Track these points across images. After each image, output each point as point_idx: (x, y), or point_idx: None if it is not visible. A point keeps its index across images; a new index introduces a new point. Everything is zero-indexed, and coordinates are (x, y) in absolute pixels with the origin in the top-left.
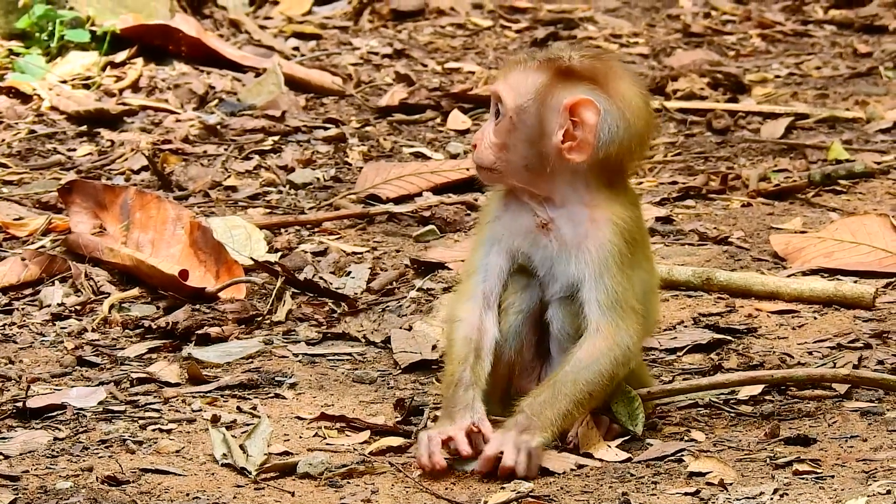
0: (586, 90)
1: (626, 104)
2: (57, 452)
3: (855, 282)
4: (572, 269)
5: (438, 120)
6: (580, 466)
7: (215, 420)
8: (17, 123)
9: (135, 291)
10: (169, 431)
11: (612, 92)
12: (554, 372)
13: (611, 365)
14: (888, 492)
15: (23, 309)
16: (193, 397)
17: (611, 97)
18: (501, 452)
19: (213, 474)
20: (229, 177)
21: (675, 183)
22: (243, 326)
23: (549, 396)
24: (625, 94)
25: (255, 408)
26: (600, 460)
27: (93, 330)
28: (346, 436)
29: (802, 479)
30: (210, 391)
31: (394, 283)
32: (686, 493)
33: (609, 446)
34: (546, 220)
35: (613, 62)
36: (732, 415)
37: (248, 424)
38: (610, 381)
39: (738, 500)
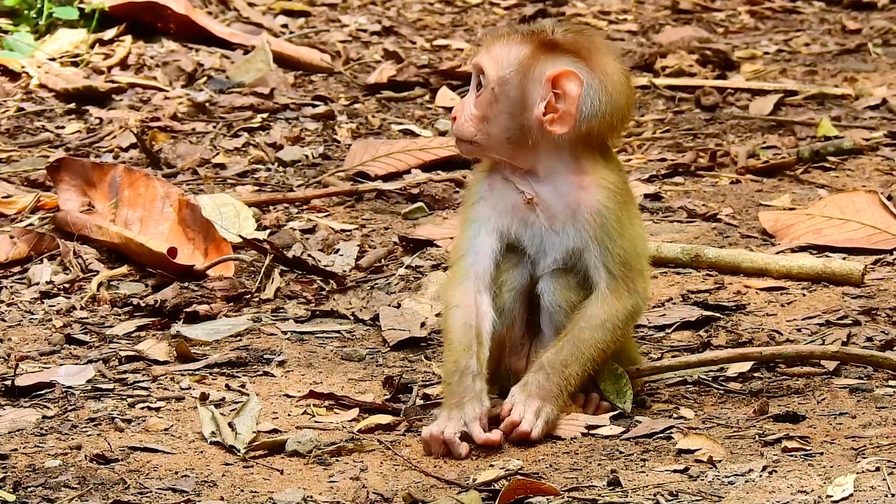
0: (569, 62)
1: (608, 78)
2: (45, 431)
3: (843, 258)
4: (569, 239)
5: (427, 97)
6: (584, 435)
7: (204, 398)
8: (5, 101)
9: (123, 269)
10: (157, 409)
11: (595, 66)
12: (568, 328)
13: (623, 322)
14: (877, 468)
15: (11, 287)
16: (182, 375)
17: (593, 71)
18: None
19: (201, 452)
20: (218, 154)
21: (663, 160)
22: (232, 304)
23: (568, 354)
24: (607, 68)
25: (243, 385)
26: (593, 435)
27: (81, 308)
28: (335, 413)
29: (791, 456)
30: (199, 369)
31: (382, 260)
32: (675, 471)
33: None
34: (531, 195)
35: (596, 37)
36: (721, 392)
37: (236, 402)
38: (621, 338)
39: (727, 477)
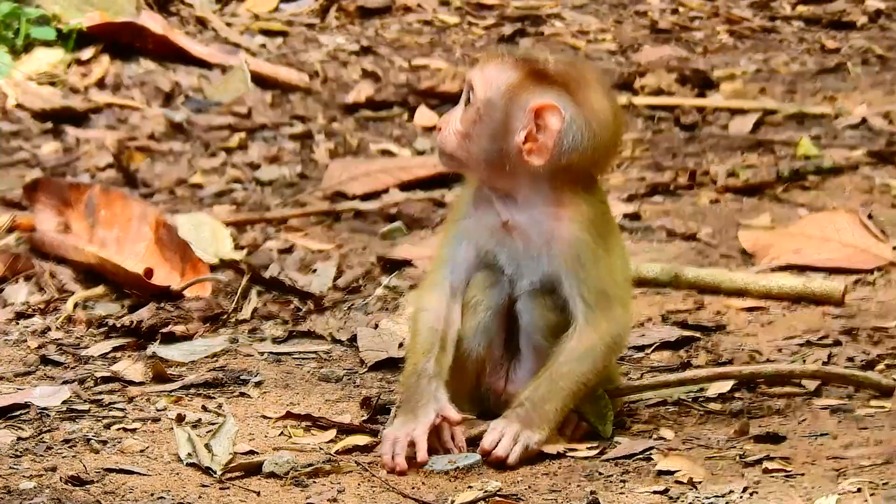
0: (555, 95)
1: (593, 114)
2: (20, 452)
3: (824, 278)
4: (545, 266)
5: (405, 116)
6: (562, 455)
7: (180, 419)
8: None
9: (99, 289)
10: (133, 431)
11: (582, 100)
12: (548, 364)
13: (603, 355)
14: (859, 490)
15: None
16: (158, 396)
17: (579, 105)
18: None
19: (177, 474)
20: (195, 174)
21: (642, 179)
22: (208, 325)
23: (546, 390)
24: (594, 104)
25: (220, 406)
26: (572, 456)
27: (57, 328)
28: (312, 435)
29: (772, 477)
30: (175, 390)
31: (360, 280)
32: (655, 492)
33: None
34: (507, 218)
35: (589, 70)
36: (701, 412)
37: (213, 423)
38: (603, 370)
39: (707, 498)
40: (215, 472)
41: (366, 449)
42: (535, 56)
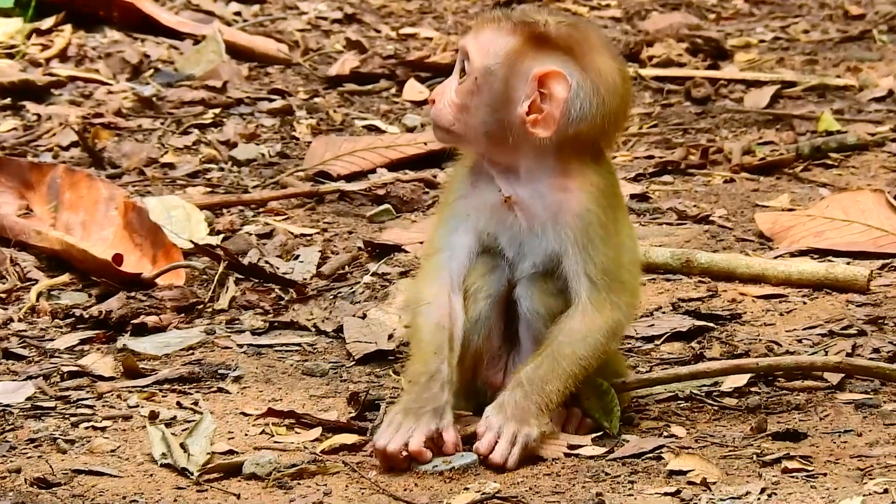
0: (559, 61)
1: (601, 80)
2: None
3: (847, 263)
4: (549, 243)
5: (393, 90)
6: (567, 456)
7: (153, 417)
8: None
9: (65, 278)
10: (103, 429)
11: (588, 65)
12: (546, 343)
13: (605, 339)
14: (885, 490)
15: None
16: (129, 392)
17: (585, 71)
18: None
19: (151, 475)
20: (166, 153)
21: (651, 157)
22: (183, 315)
23: (548, 370)
24: (601, 68)
25: (196, 403)
26: (577, 455)
27: (19, 320)
28: (296, 433)
29: (792, 477)
30: (147, 385)
31: (346, 267)
32: (666, 493)
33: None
34: (509, 194)
35: (592, 31)
36: (715, 408)
37: (189, 421)
38: (603, 354)
39: (721, 500)
40: (192, 474)
41: (353, 448)
42: (535, 18)
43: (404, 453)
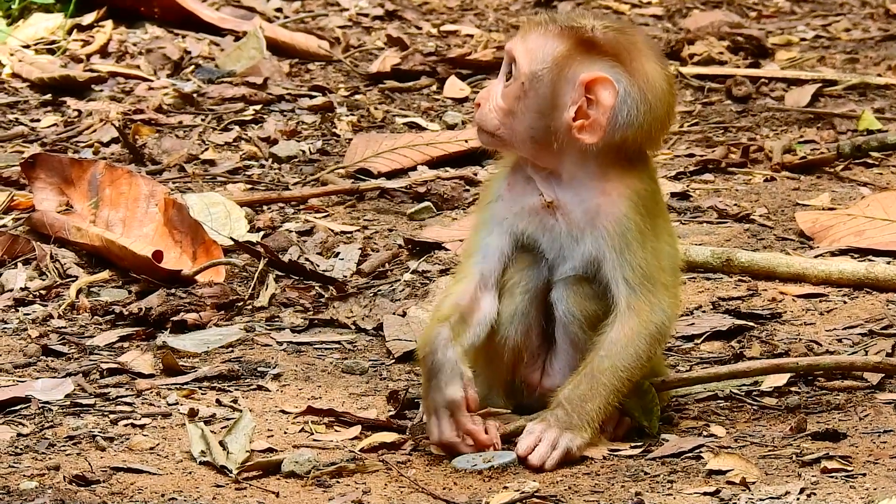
0: (606, 67)
1: (648, 86)
2: (21, 450)
3: (888, 263)
4: (588, 247)
5: (434, 87)
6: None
7: (193, 414)
8: None
9: (104, 274)
10: (142, 427)
11: (635, 71)
12: (588, 358)
13: (647, 345)
14: None
15: None
16: (169, 389)
17: (633, 77)
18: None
19: (190, 473)
20: (207, 149)
21: (692, 155)
22: (223, 312)
23: (587, 388)
24: (649, 74)
25: (235, 401)
26: (616, 454)
27: (59, 316)
28: (335, 431)
29: (831, 477)
30: (187, 383)
31: (386, 264)
32: (705, 493)
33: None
34: (551, 198)
35: (639, 37)
36: (755, 408)
37: (228, 419)
38: (647, 362)
39: (761, 500)
40: (231, 472)
41: (393, 446)
42: (582, 23)
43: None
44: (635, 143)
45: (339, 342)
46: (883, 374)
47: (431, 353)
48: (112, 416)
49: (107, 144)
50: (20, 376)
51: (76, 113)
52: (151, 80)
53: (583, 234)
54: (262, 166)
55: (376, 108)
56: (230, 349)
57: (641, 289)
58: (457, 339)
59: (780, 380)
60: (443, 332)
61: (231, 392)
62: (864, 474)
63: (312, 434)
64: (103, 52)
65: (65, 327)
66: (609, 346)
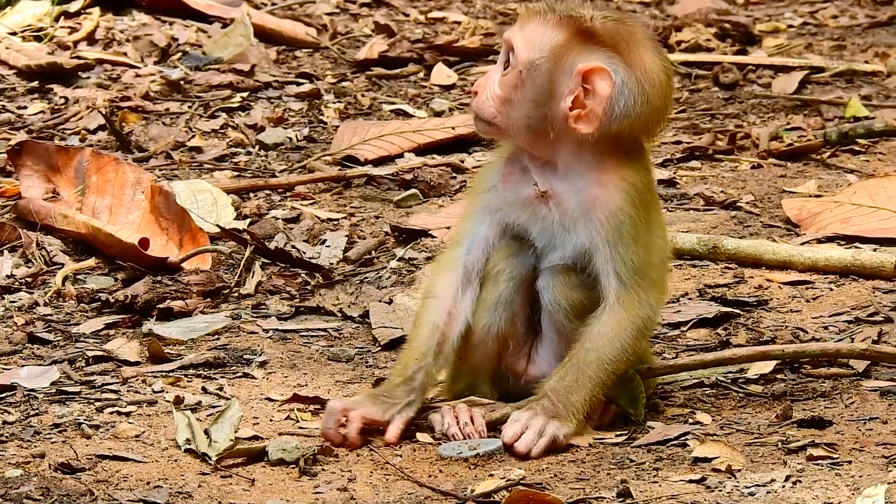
0: (604, 57)
1: (646, 77)
2: (6, 437)
3: (874, 250)
4: (580, 238)
5: (421, 74)
6: (591, 445)
7: (178, 402)
8: None
9: (91, 262)
10: (128, 414)
11: (633, 62)
12: (574, 350)
13: (633, 339)
14: None
15: None
16: (154, 377)
17: (630, 68)
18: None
19: (176, 461)
20: (194, 137)
21: (678, 142)
22: (209, 300)
23: (573, 380)
24: (646, 65)
25: (221, 388)
26: (602, 442)
27: (45, 304)
28: (321, 418)
29: (817, 464)
30: (173, 370)
31: (373, 252)
32: (690, 480)
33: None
34: (545, 188)
35: (638, 27)
36: (741, 395)
37: (214, 407)
38: (633, 356)
39: (747, 487)
40: (211, 459)
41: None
42: (581, 12)
43: (342, 433)
44: (632, 135)
45: (325, 329)
46: (869, 362)
47: (399, 388)
48: (98, 404)
49: (93, 132)
50: (6, 364)
51: (63, 100)
52: (138, 68)
53: (575, 224)
54: (249, 153)
55: (363, 96)
56: (216, 337)
57: (631, 283)
58: (427, 384)
59: (766, 367)
60: (417, 379)
61: (217, 380)
62: (850, 461)
63: (298, 422)
64: (90, 40)
65: (51, 315)
66: (596, 339)
